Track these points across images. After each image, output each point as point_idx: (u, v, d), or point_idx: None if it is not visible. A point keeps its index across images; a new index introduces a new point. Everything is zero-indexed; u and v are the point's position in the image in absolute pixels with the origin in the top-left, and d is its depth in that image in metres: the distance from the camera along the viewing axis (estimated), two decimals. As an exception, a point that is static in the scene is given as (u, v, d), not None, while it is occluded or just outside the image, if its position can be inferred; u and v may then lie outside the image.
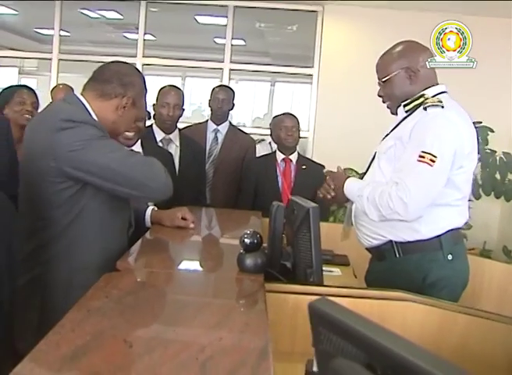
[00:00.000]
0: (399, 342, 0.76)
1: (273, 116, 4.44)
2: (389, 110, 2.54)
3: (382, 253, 2.41)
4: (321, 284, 1.89)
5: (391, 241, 2.37)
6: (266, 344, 1.29)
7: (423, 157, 2.21)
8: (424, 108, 2.30)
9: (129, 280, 1.76)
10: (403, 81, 2.42)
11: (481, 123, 5.55)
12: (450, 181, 2.29)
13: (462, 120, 2.32)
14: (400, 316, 1.84)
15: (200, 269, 2.12)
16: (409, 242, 2.34)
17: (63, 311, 1.37)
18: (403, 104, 2.44)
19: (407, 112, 2.42)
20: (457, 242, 2.41)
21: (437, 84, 2.46)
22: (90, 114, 2.14)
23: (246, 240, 1.88)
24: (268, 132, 4.36)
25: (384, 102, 2.53)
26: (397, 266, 2.37)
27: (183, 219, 2.53)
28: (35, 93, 3.47)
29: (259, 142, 6.11)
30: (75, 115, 2.06)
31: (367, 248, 2.52)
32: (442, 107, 2.28)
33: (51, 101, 4.13)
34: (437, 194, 2.27)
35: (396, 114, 2.50)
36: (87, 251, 2.08)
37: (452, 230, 2.35)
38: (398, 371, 0.73)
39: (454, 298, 2.34)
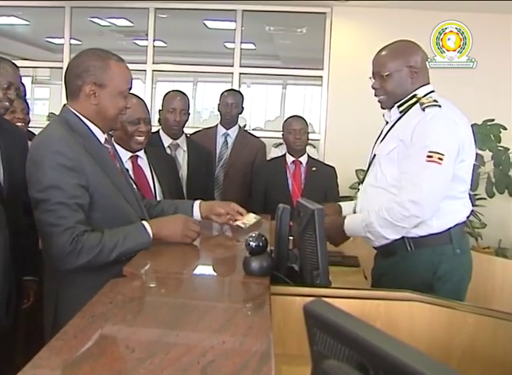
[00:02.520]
0: (390, 342, 0.75)
1: (285, 118, 4.44)
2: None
3: (392, 249, 2.44)
4: (327, 286, 1.88)
5: (403, 237, 2.41)
6: (268, 347, 1.28)
7: (431, 156, 2.28)
8: (423, 109, 2.36)
9: (134, 286, 1.76)
10: (406, 79, 2.48)
11: (493, 120, 5.54)
12: (455, 175, 2.35)
13: (459, 117, 2.39)
14: (408, 316, 1.83)
15: (206, 273, 2.11)
16: (421, 237, 2.39)
17: None
18: (396, 105, 2.50)
19: (401, 112, 2.49)
20: (464, 235, 2.49)
21: (427, 84, 2.53)
22: (82, 121, 2.15)
23: (251, 243, 1.87)
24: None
25: (376, 95, 2.57)
26: (407, 261, 2.42)
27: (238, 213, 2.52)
28: (24, 99, 3.50)
29: (277, 146, 6.11)
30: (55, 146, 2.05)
31: (374, 247, 2.53)
32: (440, 106, 2.35)
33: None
34: (447, 190, 2.35)
35: (387, 108, 2.57)
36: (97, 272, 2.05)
37: (459, 223, 2.42)
38: (389, 371, 0.72)
39: (459, 292, 2.39)
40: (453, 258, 2.38)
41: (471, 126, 2.48)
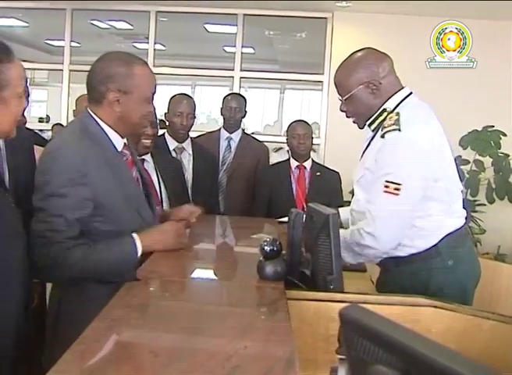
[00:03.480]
0: (436, 348, 0.75)
1: (283, 123, 4.44)
2: None
3: (386, 266, 2.37)
4: (341, 291, 1.87)
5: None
6: (292, 352, 1.27)
7: (387, 187, 2.13)
8: (382, 136, 2.19)
9: (149, 290, 1.76)
10: (367, 96, 2.30)
11: (493, 126, 5.57)
12: (427, 196, 2.19)
13: (422, 136, 2.18)
14: (422, 321, 1.82)
15: (220, 277, 2.11)
16: (405, 256, 2.27)
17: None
18: (367, 123, 2.34)
19: (373, 130, 2.32)
20: (458, 245, 2.29)
21: (401, 89, 2.32)
22: (101, 127, 2.12)
23: (266, 247, 1.86)
24: (280, 139, 4.37)
25: (348, 117, 2.43)
26: (397, 277, 2.32)
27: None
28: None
29: (277, 150, 6.10)
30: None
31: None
32: (399, 130, 2.15)
33: (74, 109, 4.13)
34: (409, 219, 2.20)
35: (363, 128, 2.41)
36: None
37: (449, 233, 2.25)
38: (436, 378, 0.72)
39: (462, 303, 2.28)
40: (445, 270, 2.24)
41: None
